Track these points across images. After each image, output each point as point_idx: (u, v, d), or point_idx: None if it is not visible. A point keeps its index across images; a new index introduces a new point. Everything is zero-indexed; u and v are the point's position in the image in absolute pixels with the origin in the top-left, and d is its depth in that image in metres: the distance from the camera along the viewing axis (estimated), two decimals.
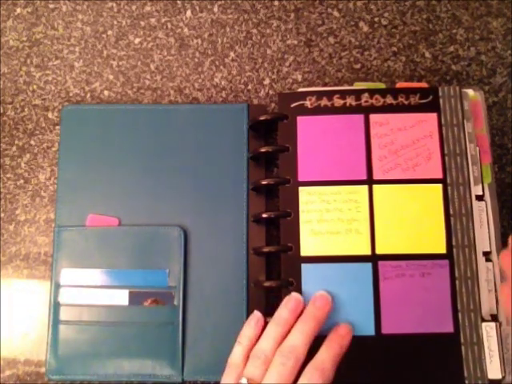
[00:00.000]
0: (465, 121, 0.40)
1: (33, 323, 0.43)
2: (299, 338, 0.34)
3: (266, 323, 0.37)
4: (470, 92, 0.41)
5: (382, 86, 0.43)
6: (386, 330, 0.38)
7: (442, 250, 0.39)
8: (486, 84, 0.46)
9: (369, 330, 0.38)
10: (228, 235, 0.42)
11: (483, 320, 0.37)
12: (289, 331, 0.35)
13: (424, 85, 0.43)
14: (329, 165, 0.40)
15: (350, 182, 0.40)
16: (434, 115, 0.41)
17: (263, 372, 0.33)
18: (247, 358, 0.35)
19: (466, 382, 0.36)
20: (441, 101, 0.41)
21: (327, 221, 0.39)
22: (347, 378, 0.37)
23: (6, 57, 0.48)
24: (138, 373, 0.40)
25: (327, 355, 0.34)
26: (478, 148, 0.40)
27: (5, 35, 0.48)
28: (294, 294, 0.37)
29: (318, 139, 0.41)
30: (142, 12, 0.48)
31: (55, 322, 0.41)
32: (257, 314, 0.37)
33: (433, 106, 0.41)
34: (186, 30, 0.48)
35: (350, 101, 0.41)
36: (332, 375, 0.34)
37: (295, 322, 0.36)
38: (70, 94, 0.47)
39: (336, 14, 0.48)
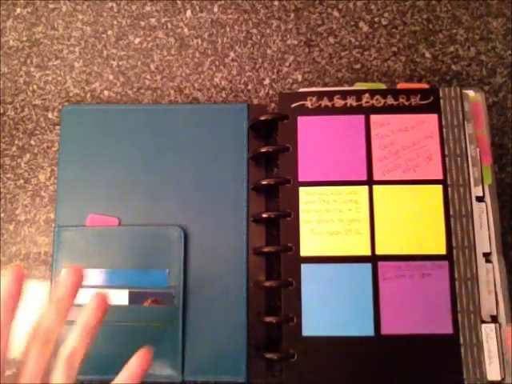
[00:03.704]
0: (465, 122, 0.40)
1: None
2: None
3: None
4: (471, 93, 0.41)
5: (382, 86, 0.43)
6: (386, 330, 0.38)
7: (442, 250, 0.39)
8: (486, 84, 0.46)
9: (368, 330, 0.38)
10: (228, 235, 0.42)
11: (483, 321, 0.37)
12: None
13: (425, 86, 0.43)
14: (329, 165, 0.40)
15: (350, 183, 0.40)
16: (435, 116, 0.41)
17: None
18: None
19: (466, 383, 0.36)
20: (441, 102, 0.41)
21: (327, 221, 0.39)
22: (346, 378, 0.37)
23: (6, 57, 0.48)
24: None
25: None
26: (478, 149, 0.40)
27: (5, 35, 0.48)
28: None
29: (318, 139, 0.41)
30: (142, 12, 0.48)
31: None
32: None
33: (433, 107, 0.41)
34: (185, 30, 0.48)
35: (351, 101, 0.41)
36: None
37: None
38: (70, 94, 0.47)
39: (336, 14, 0.48)
